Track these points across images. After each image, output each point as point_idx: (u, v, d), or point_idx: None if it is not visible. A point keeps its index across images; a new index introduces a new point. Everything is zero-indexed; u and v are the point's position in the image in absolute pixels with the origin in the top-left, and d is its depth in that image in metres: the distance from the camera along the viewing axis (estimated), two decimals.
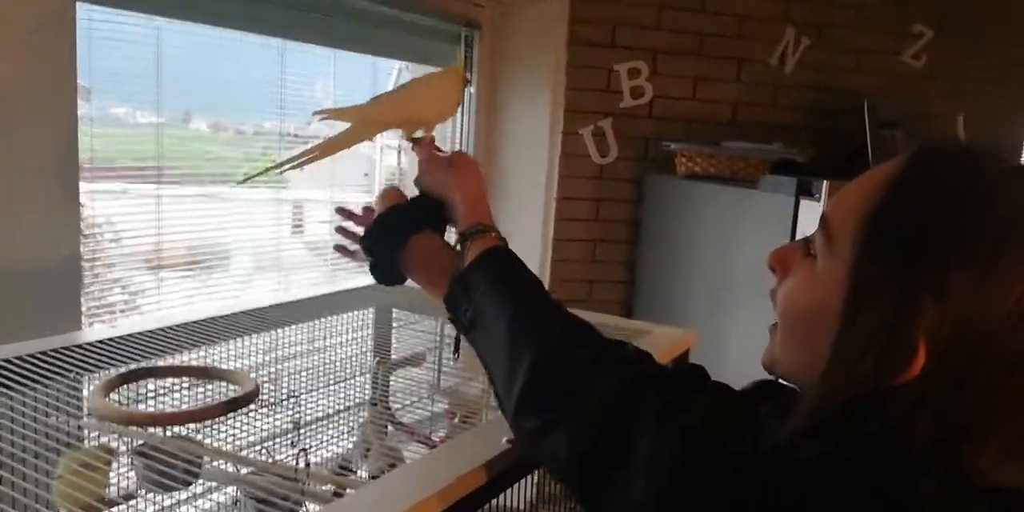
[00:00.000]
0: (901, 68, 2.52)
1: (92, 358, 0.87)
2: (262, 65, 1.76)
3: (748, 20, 2.36)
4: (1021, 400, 0.48)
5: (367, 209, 0.87)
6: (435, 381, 1.37)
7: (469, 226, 0.77)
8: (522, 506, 0.92)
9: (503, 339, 0.67)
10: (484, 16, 2.25)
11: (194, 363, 1.04)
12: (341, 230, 0.90)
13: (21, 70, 1.20)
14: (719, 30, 2.35)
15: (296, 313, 1.31)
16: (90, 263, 1.48)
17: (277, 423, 0.95)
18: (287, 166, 0.85)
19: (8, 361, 0.85)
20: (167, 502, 0.86)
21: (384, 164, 2.23)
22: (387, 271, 0.81)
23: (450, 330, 1.44)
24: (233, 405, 0.73)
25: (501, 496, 0.79)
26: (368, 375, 1.25)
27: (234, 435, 0.88)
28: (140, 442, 0.76)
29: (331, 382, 1.10)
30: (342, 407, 1.10)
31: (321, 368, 1.19)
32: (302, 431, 1.01)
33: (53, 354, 0.90)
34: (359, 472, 0.98)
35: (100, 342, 0.92)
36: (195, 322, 1.16)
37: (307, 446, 0.88)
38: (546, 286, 0.77)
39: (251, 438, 0.89)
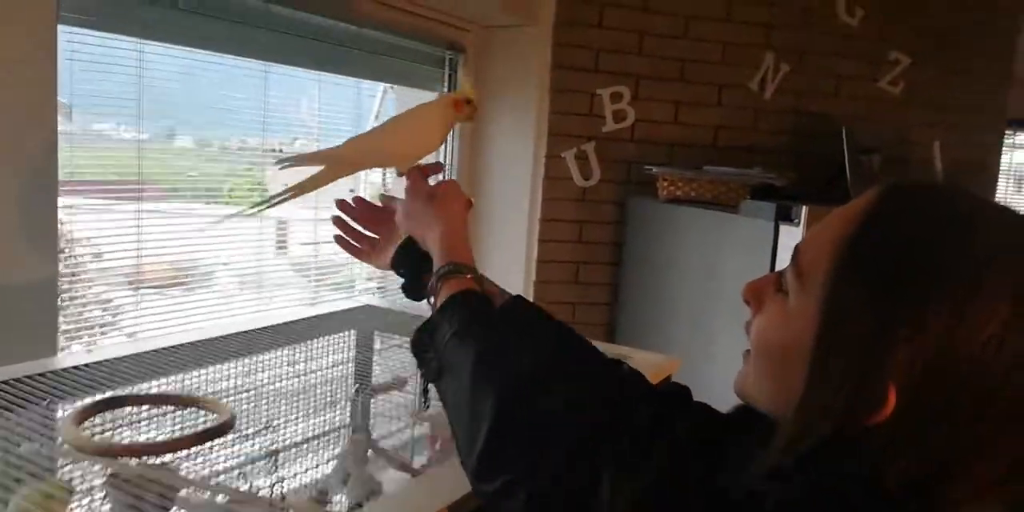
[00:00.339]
0: (879, 94, 2.57)
1: (67, 385, 0.86)
2: (246, 85, 1.76)
3: (729, 46, 2.40)
4: (998, 439, 0.47)
5: (358, 199, 0.91)
6: (417, 406, 1.36)
7: (442, 265, 0.75)
8: None
9: (466, 394, 0.64)
10: (468, 39, 2.27)
11: (172, 389, 1.02)
12: (338, 221, 0.91)
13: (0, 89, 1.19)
14: (700, 56, 2.38)
15: (277, 337, 1.30)
16: (70, 281, 1.46)
17: (256, 449, 0.94)
18: (265, 205, 0.85)
19: None
20: None
21: (368, 181, 2.23)
22: (414, 291, 0.85)
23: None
24: (207, 436, 0.72)
25: None
26: (348, 401, 1.24)
27: (210, 463, 0.86)
28: (113, 471, 0.75)
29: (311, 408, 1.09)
30: (321, 433, 1.09)
31: (301, 394, 1.18)
32: (281, 456, 1.00)
33: (27, 380, 0.88)
34: (338, 500, 0.97)
35: (75, 368, 0.91)
36: (173, 347, 1.14)
37: (285, 473, 0.87)
38: None
39: (229, 464, 0.88)
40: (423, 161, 0.89)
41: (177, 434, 0.78)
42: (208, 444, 0.74)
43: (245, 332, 1.30)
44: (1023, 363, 0.46)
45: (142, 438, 0.81)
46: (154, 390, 0.97)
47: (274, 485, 0.82)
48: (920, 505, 0.48)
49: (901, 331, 0.47)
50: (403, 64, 2.12)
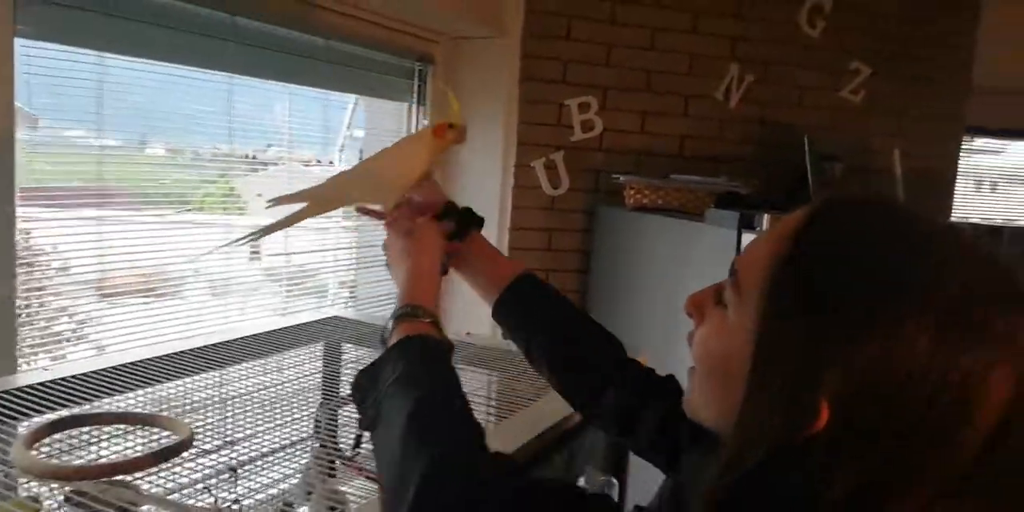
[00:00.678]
0: (840, 104, 2.63)
1: (25, 404, 0.86)
2: (216, 92, 1.76)
3: (695, 57, 2.44)
4: (937, 455, 0.47)
5: None
6: (350, 452, 1.37)
7: (400, 306, 0.72)
8: None
9: (396, 450, 0.58)
10: (437, 51, 2.29)
11: (135, 405, 1.03)
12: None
13: None
14: (667, 67, 2.42)
15: (242, 351, 1.30)
16: (37, 293, 1.45)
17: (220, 464, 0.94)
18: (253, 236, 0.86)
19: None
20: None
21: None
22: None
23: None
24: (164, 455, 0.72)
25: None
26: (321, 414, 1.24)
27: (173, 478, 0.87)
28: (72, 489, 0.75)
29: (276, 421, 1.10)
30: (287, 446, 1.10)
31: (267, 407, 1.18)
32: (243, 471, 1.01)
33: None
34: None
35: (31, 387, 0.91)
36: (138, 362, 1.15)
37: (250, 488, 0.87)
38: None
39: (193, 478, 0.88)
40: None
41: (132, 455, 0.79)
42: (165, 464, 0.75)
43: (211, 345, 1.31)
44: (951, 381, 0.46)
45: (100, 458, 0.82)
46: (117, 406, 0.98)
47: (237, 501, 0.83)
48: None
49: (832, 349, 0.47)
50: (372, 76, 2.14)
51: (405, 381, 0.63)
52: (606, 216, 2.33)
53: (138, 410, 0.98)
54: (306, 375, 1.35)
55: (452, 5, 2.07)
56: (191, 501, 0.81)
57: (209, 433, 0.96)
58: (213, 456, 0.85)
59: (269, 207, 0.85)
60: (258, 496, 0.89)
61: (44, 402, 0.90)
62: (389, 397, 0.62)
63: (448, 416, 0.62)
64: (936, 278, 0.48)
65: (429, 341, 0.68)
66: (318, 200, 0.85)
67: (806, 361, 0.48)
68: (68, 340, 1.58)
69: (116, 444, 0.85)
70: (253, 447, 1.00)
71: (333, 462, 1.08)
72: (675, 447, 0.78)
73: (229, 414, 1.10)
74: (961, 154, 2.93)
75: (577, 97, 2.34)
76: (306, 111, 2.05)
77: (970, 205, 3.36)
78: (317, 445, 1.11)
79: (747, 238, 1.80)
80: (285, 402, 1.22)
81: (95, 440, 0.83)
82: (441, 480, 0.55)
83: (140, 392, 1.07)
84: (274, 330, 1.44)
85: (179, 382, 1.14)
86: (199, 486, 0.86)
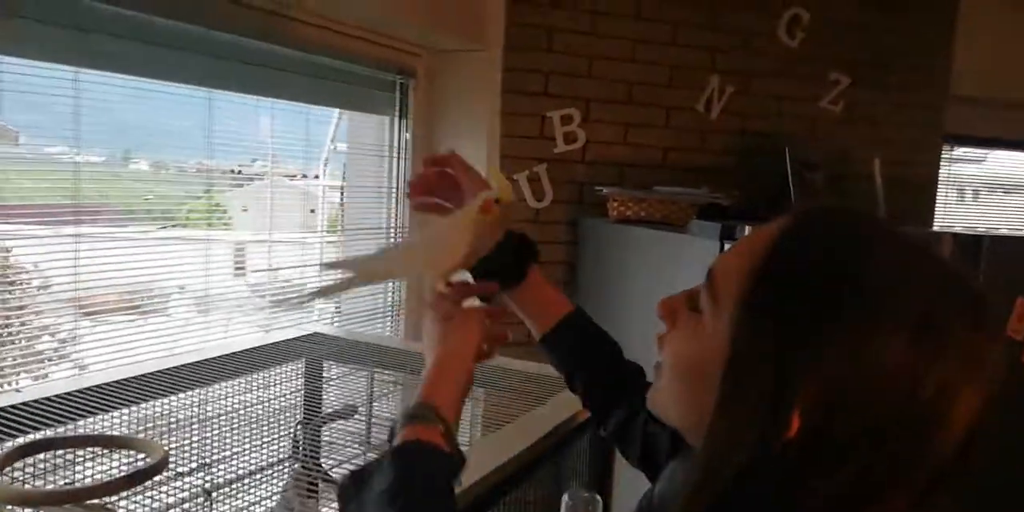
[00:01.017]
0: (820, 114, 2.65)
1: None
2: (194, 108, 1.75)
3: (676, 69, 2.46)
4: (915, 460, 0.48)
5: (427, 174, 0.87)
6: (366, 434, 1.36)
7: (414, 404, 0.66)
8: None
9: None
10: (419, 64, 2.29)
11: (111, 427, 1.01)
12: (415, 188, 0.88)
13: None
14: (648, 79, 2.43)
15: (223, 369, 1.29)
16: (19, 311, 1.43)
17: (198, 485, 0.93)
18: (302, 300, 0.84)
19: None
20: None
21: (328, 201, 2.23)
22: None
23: (379, 383, 1.43)
24: (137, 479, 0.71)
25: None
26: (299, 433, 1.23)
27: (147, 505, 0.85)
28: None
29: (256, 440, 1.08)
30: (267, 466, 1.08)
31: (248, 426, 1.17)
32: (224, 491, 0.99)
33: None
34: None
35: (3, 410, 0.89)
36: (114, 383, 1.13)
37: (230, 509, 0.86)
38: None
39: (164, 502, 0.87)
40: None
41: (104, 478, 0.77)
42: (139, 486, 0.74)
43: (191, 364, 1.29)
44: (921, 396, 0.47)
45: (72, 482, 0.80)
46: (94, 428, 0.96)
47: None
48: None
49: (806, 360, 0.48)
50: (353, 89, 2.13)
51: (390, 498, 0.58)
52: (590, 228, 2.33)
53: (114, 432, 0.96)
54: (287, 393, 1.33)
55: (433, 18, 2.08)
56: None
57: (186, 454, 0.95)
58: (189, 479, 0.84)
59: (323, 270, 0.83)
60: None
61: (18, 424, 0.88)
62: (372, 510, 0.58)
63: None
64: (909, 294, 0.49)
65: (431, 454, 0.62)
66: (365, 272, 0.83)
67: (780, 371, 0.49)
68: (50, 359, 1.56)
69: (89, 468, 0.83)
70: (231, 469, 0.99)
71: (314, 481, 1.06)
72: None
73: (208, 434, 1.09)
74: (943, 163, 2.96)
75: (559, 109, 2.34)
76: (289, 125, 2.05)
77: (952, 214, 3.38)
78: (297, 465, 1.09)
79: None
80: (265, 421, 1.20)
81: (68, 464, 0.82)
82: None
83: (117, 413, 1.05)
84: (255, 347, 1.42)
85: (158, 402, 1.12)
86: (175, 510, 0.84)
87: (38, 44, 1.37)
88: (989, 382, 0.49)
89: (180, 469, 0.86)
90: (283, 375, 1.36)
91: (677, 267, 2.00)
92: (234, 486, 0.91)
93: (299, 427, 1.12)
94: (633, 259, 2.15)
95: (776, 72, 2.57)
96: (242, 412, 1.17)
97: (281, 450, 1.13)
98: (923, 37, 2.77)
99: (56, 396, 1.01)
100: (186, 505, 0.78)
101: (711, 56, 2.49)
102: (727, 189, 2.24)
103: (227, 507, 0.85)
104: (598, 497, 1.10)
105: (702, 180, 2.34)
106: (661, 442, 0.81)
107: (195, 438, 1.03)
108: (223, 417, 1.12)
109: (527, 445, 1.04)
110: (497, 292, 0.84)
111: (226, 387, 1.23)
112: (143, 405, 1.09)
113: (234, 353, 1.36)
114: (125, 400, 1.08)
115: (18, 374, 1.45)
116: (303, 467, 1.12)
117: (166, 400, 1.14)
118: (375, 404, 1.39)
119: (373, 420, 1.39)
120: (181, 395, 1.16)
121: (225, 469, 0.93)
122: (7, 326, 1.42)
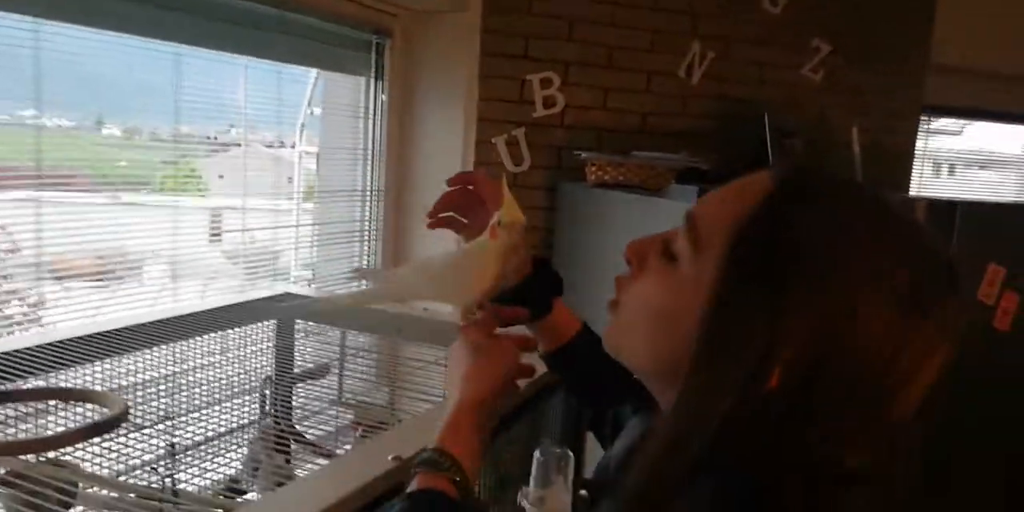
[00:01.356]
0: (801, 81, 2.64)
1: None
2: (163, 64, 1.70)
3: (657, 34, 2.43)
4: (881, 418, 0.49)
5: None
6: (338, 393, 1.36)
7: (432, 448, 0.64)
8: None
9: None
10: (396, 24, 2.25)
11: (75, 383, 0.99)
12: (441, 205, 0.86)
13: None
14: (629, 43, 2.40)
15: (194, 327, 1.27)
16: None
17: (163, 442, 0.92)
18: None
19: None
20: None
21: (304, 167, 2.20)
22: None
23: (352, 341, 1.42)
24: (95, 430, 0.70)
25: None
26: (268, 390, 1.22)
27: (115, 458, 0.84)
28: (4, 470, 0.73)
29: (223, 398, 1.07)
30: (235, 424, 1.07)
31: (216, 384, 1.15)
32: (195, 448, 0.98)
33: None
34: (249, 492, 0.96)
35: None
36: (78, 338, 1.11)
37: (190, 466, 0.85)
38: None
39: (129, 456, 0.86)
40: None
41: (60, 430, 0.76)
42: (98, 438, 0.72)
43: (160, 321, 1.27)
44: (900, 360, 0.48)
45: (22, 436, 0.79)
46: (54, 382, 0.95)
47: (170, 475, 0.81)
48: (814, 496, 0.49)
49: (793, 317, 0.48)
50: (328, 49, 2.09)
51: None
52: (569, 193, 2.32)
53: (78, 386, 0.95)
54: (257, 352, 1.32)
55: None
56: (131, 480, 0.79)
57: (151, 410, 0.94)
58: (150, 432, 0.83)
59: (352, 278, 0.81)
60: (205, 474, 0.87)
61: None
62: None
63: None
64: (896, 261, 0.49)
65: (444, 502, 0.61)
66: (390, 294, 0.83)
67: (765, 326, 0.48)
68: (19, 324, 1.54)
69: (51, 421, 0.82)
70: (198, 424, 0.98)
71: (283, 438, 1.06)
72: None
73: (175, 392, 1.07)
74: (920, 136, 2.96)
75: (539, 73, 2.31)
76: (263, 86, 2.00)
77: (927, 188, 3.40)
78: (266, 421, 1.09)
79: None
80: (235, 379, 1.19)
81: (27, 416, 0.80)
82: None
83: (81, 369, 1.03)
84: (226, 306, 1.41)
85: (124, 358, 1.11)
86: (137, 463, 0.83)
87: None
88: (954, 344, 0.50)
89: (143, 423, 0.85)
90: (254, 335, 1.35)
91: (655, 231, 1.99)
92: (201, 448, 0.90)
93: (267, 383, 1.11)
94: (611, 223, 2.14)
95: (758, 39, 2.55)
96: (210, 369, 1.16)
97: (250, 407, 1.12)
98: (906, 4, 2.75)
99: (18, 350, 0.99)
100: (148, 458, 0.77)
101: (692, 21, 2.46)
102: (706, 154, 2.23)
103: (193, 462, 0.84)
104: (570, 453, 1.10)
105: (681, 145, 2.32)
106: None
107: (161, 394, 1.01)
108: (190, 373, 1.11)
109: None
110: (527, 319, 0.84)
111: (195, 344, 1.21)
112: (108, 361, 1.07)
113: (204, 311, 1.35)
114: (90, 355, 1.06)
115: None
116: (276, 423, 1.12)
117: (133, 356, 1.12)
118: (347, 363, 1.39)
119: (345, 380, 1.38)
120: (148, 351, 1.14)
121: (190, 423, 0.92)
122: None
